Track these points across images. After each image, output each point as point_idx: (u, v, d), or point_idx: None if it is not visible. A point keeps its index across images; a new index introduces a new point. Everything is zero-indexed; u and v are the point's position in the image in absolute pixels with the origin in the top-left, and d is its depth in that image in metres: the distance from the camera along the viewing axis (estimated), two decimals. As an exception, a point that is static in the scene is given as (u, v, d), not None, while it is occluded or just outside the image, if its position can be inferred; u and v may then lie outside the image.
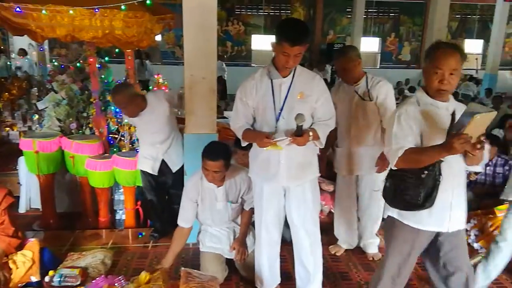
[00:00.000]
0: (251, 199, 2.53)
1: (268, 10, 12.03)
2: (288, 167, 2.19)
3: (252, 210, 2.58)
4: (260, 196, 2.33)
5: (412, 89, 9.00)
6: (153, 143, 3.07)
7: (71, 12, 2.91)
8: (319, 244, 2.40)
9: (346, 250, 3.11)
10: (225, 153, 2.38)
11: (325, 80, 9.91)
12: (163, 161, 3.10)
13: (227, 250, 2.61)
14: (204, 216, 2.58)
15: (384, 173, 2.35)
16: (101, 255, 2.73)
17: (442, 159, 1.71)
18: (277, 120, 2.14)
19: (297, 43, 1.99)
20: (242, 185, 2.55)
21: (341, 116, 2.81)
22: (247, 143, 2.31)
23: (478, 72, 11.38)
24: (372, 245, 3.07)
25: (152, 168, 3.09)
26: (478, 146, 1.60)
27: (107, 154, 3.49)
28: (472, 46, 12.79)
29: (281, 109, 2.14)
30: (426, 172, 1.73)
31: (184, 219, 2.55)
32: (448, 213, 1.82)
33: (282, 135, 2.08)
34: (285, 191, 2.30)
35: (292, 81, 2.15)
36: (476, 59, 12.17)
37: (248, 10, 11.98)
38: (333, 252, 3.09)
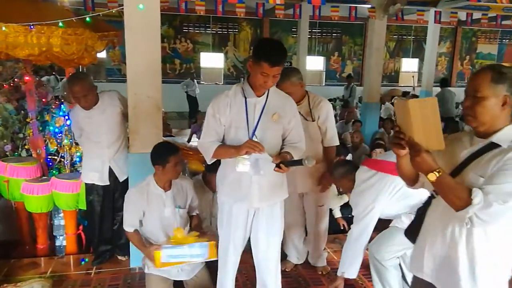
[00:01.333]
0: (197, 207, 2.60)
1: (216, 28, 12.15)
2: (260, 187, 2.16)
3: (199, 216, 2.63)
4: (229, 217, 2.27)
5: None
6: (100, 147, 2.95)
7: (4, 28, 2.76)
8: (279, 264, 2.42)
9: (295, 265, 3.14)
10: (175, 151, 2.42)
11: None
12: (110, 170, 2.98)
13: (174, 272, 2.54)
14: (152, 226, 2.48)
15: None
16: (38, 285, 2.54)
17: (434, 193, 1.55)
18: (250, 139, 2.10)
19: (277, 64, 1.99)
20: (188, 191, 2.56)
21: None
22: (212, 161, 2.24)
23: (415, 89, 12.15)
24: (321, 259, 3.13)
25: (101, 178, 2.97)
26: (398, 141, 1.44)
27: (46, 177, 3.31)
28: (409, 64, 13.66)
29: (255, 129, 2.12)
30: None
31: (130, 224, 2.47)
32: (422, 260, 1.59)
33: (261, 156, 2.02)
34: (254, 212, 2.27)
35: (266, 100, 2.15)
36: (413, 76, 13.05)
37: (196, 28, 12.03)
38: (283, 268, 3.11)
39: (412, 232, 1.74)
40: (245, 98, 2.14)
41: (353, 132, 6.57)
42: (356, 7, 8.43)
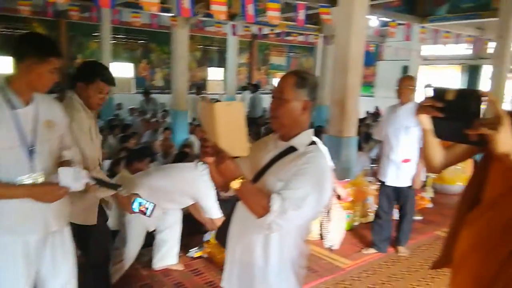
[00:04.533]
0: None
1: (1, 28, 10.37)
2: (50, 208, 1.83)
3: None
4: (13, 259, 1.80)
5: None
6: None
7: None
8: None
9: None
10: None
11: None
12: None
13: None
14: None
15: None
16: None
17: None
18: (31, 157, 1.74)
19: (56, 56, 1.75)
20: None
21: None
22: None
23: (222, 96, 13.02)
24: None
25: None
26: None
27: None
28: (215, 73, 14.53)
29: (32, 145, 1.75)
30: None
31: None
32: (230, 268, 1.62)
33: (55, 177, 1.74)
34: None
35: (37, 107, 1.80)
36: (219, 84, 13.97)
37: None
38: None
39: (221, 236, 1.71)
40: (12, 110, 1.71)
41: (163, 140, 6.59)
42: (158, 15, 8.43)
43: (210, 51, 14.32)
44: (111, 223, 2.97)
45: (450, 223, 1.56)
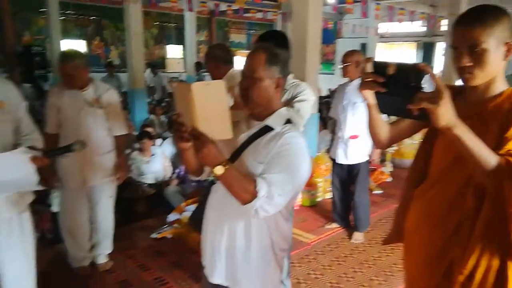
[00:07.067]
0: None
1: None
2: None
3: None
4: None
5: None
6: None
7: None
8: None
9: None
10: None
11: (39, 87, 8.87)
12: None
13: None
14: None
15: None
16: None
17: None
18: None
19: None
20: None
21: (68, 123, 2.69)
22: None
23: (181, 74, 12.70)
24: (104, 256, 3.10)
25: None
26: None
27: None
28: (174, 51, 14.11)
29: None
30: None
31: None
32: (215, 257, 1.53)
33: None
34: None
35: None
36: (178, 63, 13.58)
37: None
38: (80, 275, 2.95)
39: (196, 221, 1.65)
40: None
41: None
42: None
43: (167, 28, 13.85)
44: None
45: (400, 198, 1.58)
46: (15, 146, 1.83)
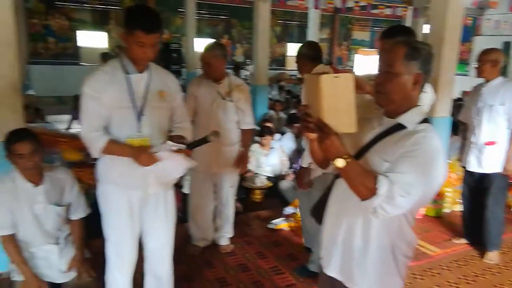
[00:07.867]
0: (80, 205, 2.26)
1: (94, 4, 11.16)
2: (156, 171, 1.95)
3: (81, 224, 2.30)
4: (119, 207, 2.04)
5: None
6: None
7: None
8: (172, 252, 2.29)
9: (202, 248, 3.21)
10: (31, 135, 2.06)
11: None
12: None
13: (57, 273, 2.23)
14: (25, 229, 2.13)
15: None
16: None
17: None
18: (139, 120, 1.92)
19: (153, 31, 1.80)
20: (66, 185, 2.21)
21: (201, 112, 2.88)
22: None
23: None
24: (225, 238, 3.27)
25: None
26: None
27: None
28: (294, 49, 14.31)
29: (141, 109, 1.92)
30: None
31: (0, 226, 2.10)
32: (332, 250, 1.52)
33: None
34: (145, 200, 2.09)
35: (150, 76, 1.96)
36: (298, 60, 13.74)
37: (72, 3, 10.89)
38: (189, 253, 3.14)
39: (318, 212, 1.64)
40: (126, 74, 1.91)
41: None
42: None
43: (290, 26, 14.12)
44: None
45: None
46: (169, 132, 2.06)
